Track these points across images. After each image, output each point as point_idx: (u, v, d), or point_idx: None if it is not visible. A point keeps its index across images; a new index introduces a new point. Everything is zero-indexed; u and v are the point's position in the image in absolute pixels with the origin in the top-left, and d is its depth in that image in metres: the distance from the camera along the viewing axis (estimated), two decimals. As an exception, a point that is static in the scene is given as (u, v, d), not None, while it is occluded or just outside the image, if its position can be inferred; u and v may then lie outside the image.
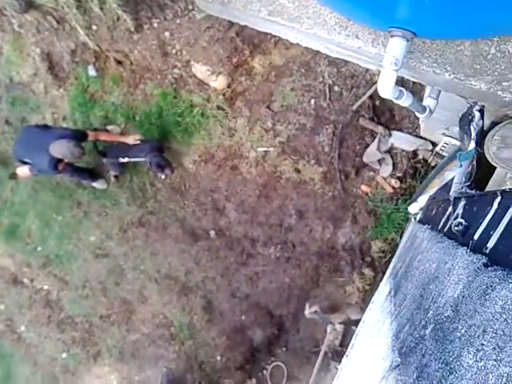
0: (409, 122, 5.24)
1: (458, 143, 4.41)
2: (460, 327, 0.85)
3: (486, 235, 1.11)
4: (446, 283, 1.05)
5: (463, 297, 0.91)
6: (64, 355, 6.27)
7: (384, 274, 5.27)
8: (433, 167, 5.04)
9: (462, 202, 1.59)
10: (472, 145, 2.04)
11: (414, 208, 4.59)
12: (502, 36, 1.66)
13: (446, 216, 1.77)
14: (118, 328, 6.07)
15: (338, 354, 5.53)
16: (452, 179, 3.84)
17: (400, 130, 5.26)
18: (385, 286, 2.52)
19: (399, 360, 1.10)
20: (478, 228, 1.22)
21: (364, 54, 1.93)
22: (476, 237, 1.20)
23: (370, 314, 3.05)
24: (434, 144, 5.02)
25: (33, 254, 6.23)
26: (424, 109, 2.21)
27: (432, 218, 2.20)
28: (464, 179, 1.91)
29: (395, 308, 1.56)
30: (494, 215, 1.15)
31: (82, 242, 6.10)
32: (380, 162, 5.33)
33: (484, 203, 1.29)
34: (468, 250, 1.10)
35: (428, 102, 2.29)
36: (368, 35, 1.84)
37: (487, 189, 2.19)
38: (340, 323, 5.05)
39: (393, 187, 5.32)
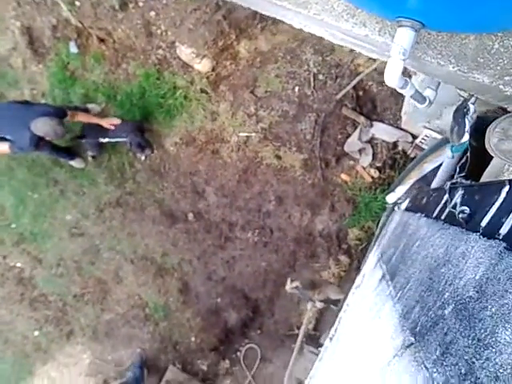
0: (390, 114, 5.33)
1: (438, 136, 4.51)
2: (490, 306, 0.90)
3: (497, 222, 1.16)
4: (462, 266, 1.11)
5: (488, 279, 0.97)
6: (36, 333, 6.20)
7: (359, 261, 5.40)
8: (412, 159, 5.14)
9: (460, 192, 1.66)
10: (466, 137, 2.11)
11: (392, 198, 4.70)
12: (506, 32, 1.72)
13: (441, 204, 1.83)
14: (92, 307, 6.03)
15: (311, 338, 5.64)
16: (431, 171, 3.94)
17: (381, 121, 5.35)
18: (374, 272, 2.59)
19: (412, 339, 1.16)
20: (484, 216, 1.28)
21: (370, 42, 1.96)
22: (483, 224, 1.26)
23: (355, 298, 3.15)
24: (414, 136, 5.12)
25: (6, 231, 6.11)
26: (424, 99, 2.27)
27: (423, 206, 2.27)
28: (458, 170, 1.98)
29: (396, 291, 1.62)
30: (502, 203, 1.21)
31: (57, 220, 6.02)
32: (360, 151, 5.41)
33: (489, 192, 1.35)
34: (480, 236, 1.16)
35: (428, 92, 2.36)
36: (375, 24, 1.87)
37: (482, 180, 2.28)
38: (320, 301, 5.15)
39: (372, 177, 5.41)
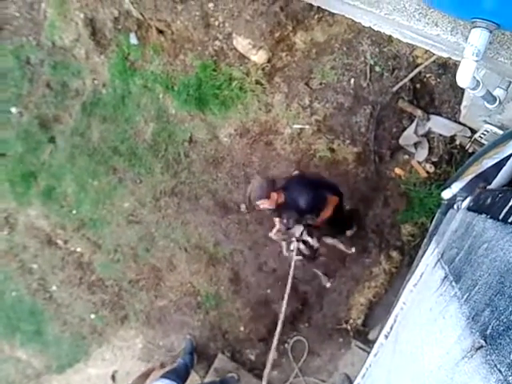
0: (449, 107, 5.19)
1: (499, 131, 4.38)
2: None
3: None
4: (538, 273, 1.11)
5: None
6: (92, 316, 6.47)
7: (412, 257, 5.32)
8: (470, 154, 5.01)
9: (531, 195, 1.63)
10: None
11: (448, 194, 4.60)
12: None
13: (508, 207, 1.79)
14: (147, 294, 6.22)
15: (359, 333, 5.64)
16: (490, 168, 3.84)
17: (439, 114, 5.22)
18: (434, 271, 2.58)
19: (483, 342, 1.16)
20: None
21: (441, 42, 1.94)
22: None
23: (413, 297, 3.14)
24: (473, 131, 4.98)
25: (68, 217, 6.39)
26: (494, 99, 2.23)
27: (488, 207, 2.22)
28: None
29: (462, 293, 1.62)
30: None
31: (115, 207, 6.23)
32: (416, 145, 5.31)
33: None
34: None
35: (498, 92, 2.31)
36: (447, 23, 1.85)
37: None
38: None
39: (427, 172, 5.31)
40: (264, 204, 4.21)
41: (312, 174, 5.20)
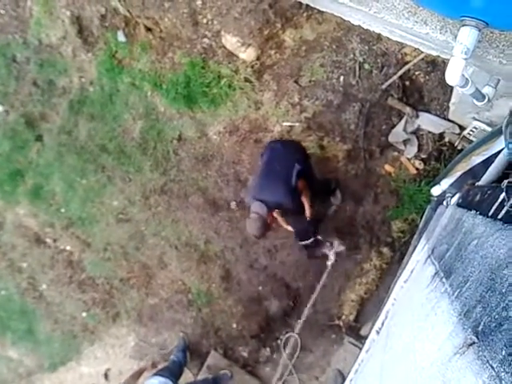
0: (437, 104, 5.22)
1: (487, 128, 4.40)
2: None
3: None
4: (527, 269, 1.13)
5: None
6: (84, 315, 6.45)
7: (402, 253, 5.35)
8: (459, 151, 5.04)
9: (519, 191, 1.64)
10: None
11: (437, 190, 4.63)
12: None
13: (497, 203, 1.81)
14: (138, 292, 6.21)
15: (351, 329, 5.67)
16: (479, 165, 3.87)
17: (428, 111, 5.25)
18: (424, 267, 2.60)
19: (474, 338, 1.18)
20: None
21: (430, 40, 1.95)
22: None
23: (404, 293, 3.16)
24: (462, 128, 5.01)
25: (56, 215, 6.35)
26: (483, 97, 2.25)
27: (477, 204, 2.24)
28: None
29: (452, 289, 1.63)
30: None
31: (104, 206, 6.20)
32: (405, 142, 5.34)
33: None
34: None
35: (487, 90, 2.32)
36: (437, 22, 1.86)
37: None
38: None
39: (416, 168, 5.34)
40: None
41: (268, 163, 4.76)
